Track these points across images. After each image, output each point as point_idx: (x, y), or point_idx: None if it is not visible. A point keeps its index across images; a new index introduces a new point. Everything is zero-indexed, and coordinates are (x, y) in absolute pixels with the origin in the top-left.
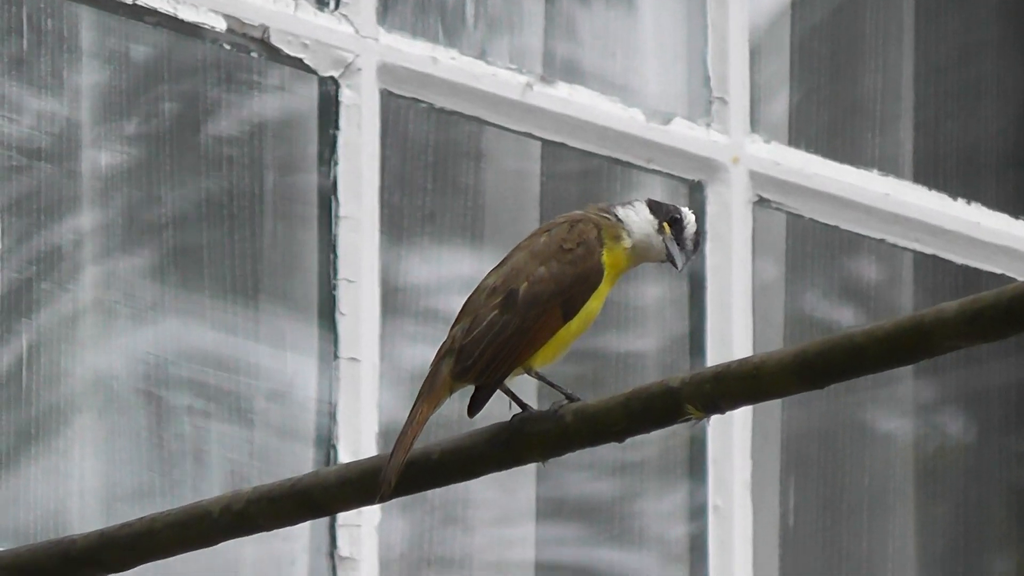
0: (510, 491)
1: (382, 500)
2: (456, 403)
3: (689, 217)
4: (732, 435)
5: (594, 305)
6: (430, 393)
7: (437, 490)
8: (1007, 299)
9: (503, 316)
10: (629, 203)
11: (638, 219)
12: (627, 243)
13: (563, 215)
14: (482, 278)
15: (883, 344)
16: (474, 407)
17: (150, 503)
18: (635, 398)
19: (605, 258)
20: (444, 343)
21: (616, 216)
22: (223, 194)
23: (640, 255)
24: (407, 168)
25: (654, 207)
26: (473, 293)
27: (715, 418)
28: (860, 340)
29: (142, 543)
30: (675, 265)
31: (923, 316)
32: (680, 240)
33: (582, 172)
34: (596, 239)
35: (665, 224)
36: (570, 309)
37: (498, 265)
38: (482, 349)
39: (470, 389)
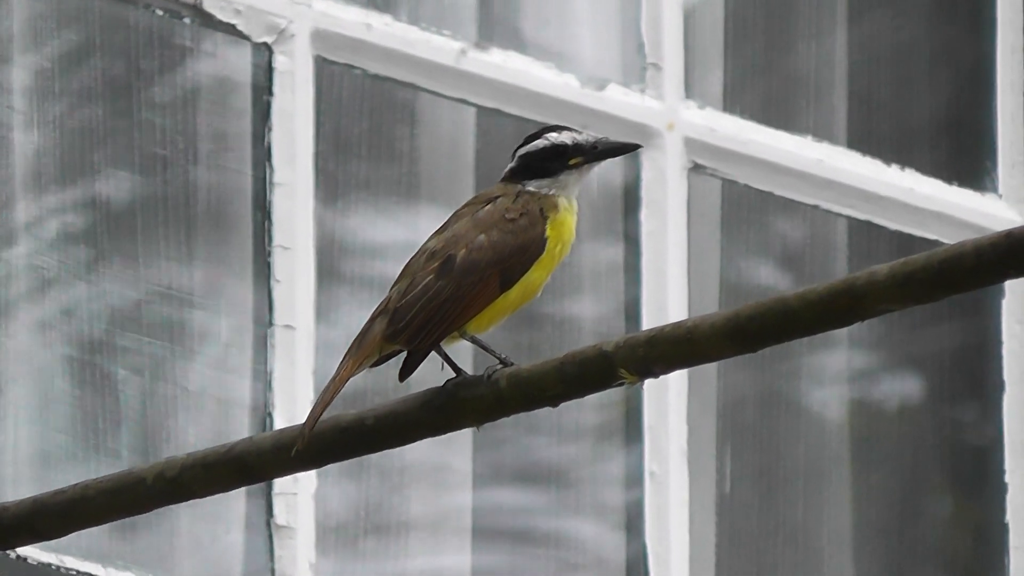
0: (447, 459)
1: (298, 453)
2: (391, 368)
3: (562, 137)
4: (668, 401)
5: (536, 276)
6: (357, 351)
7: (374, 457)
8: (937, 262)
9: (438, 281)
10: (517, 173)
11: (548, 181)
12: (566, 203)
13: (489, 191)
14: (422, 241)
15: (816, 307)
16: (405, 371)
17: (83, 470)
18: (569, 363)
19: (550, 231)
20: (380, 303)
21: (534, 190)
22: (156, 161)
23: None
24: (341, 135)
25: (536, 159)
26: (414, 255)
27: (651, 384)
28: (793, 303)
29: (75, 510)
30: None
31: (855, 279)
32: (587, 153)
33: (516, 138)
34: (539, 211)
35: (571, 162)
36: (508, 279)
37: (440, 228)
38: (415, 313)
39: (401, 354)
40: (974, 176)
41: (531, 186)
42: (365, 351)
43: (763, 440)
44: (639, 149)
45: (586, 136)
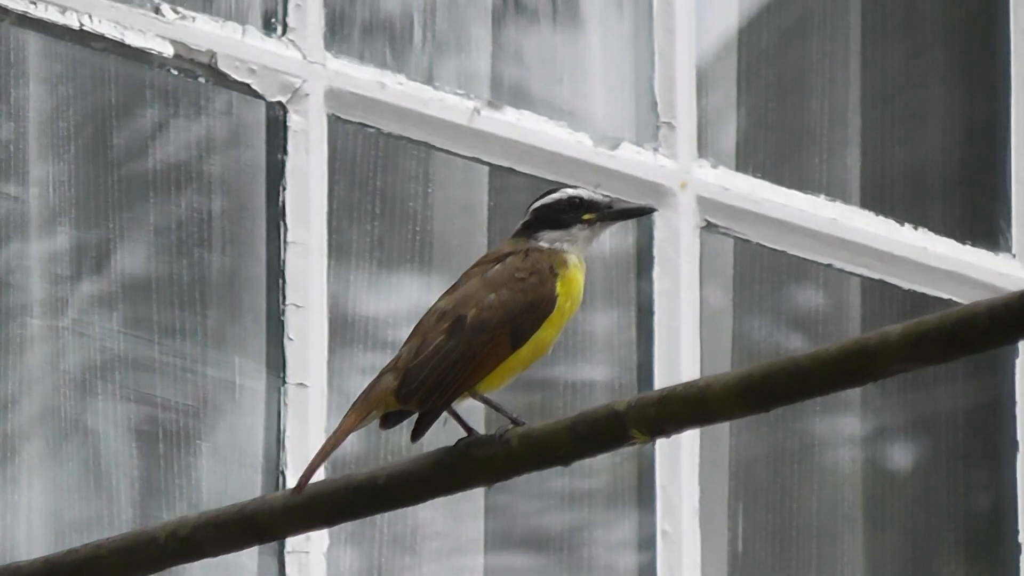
0: (460, 521)
1: (294, 498)
2: (403, 428)
3: (579, 192)
4: (680, 461)
5: (546, 334)
6: (362, 404)
7: (386, 518)
8: (951, 323)
9: (449, 341)
10: (530, 227)
11: (560, 234)
12: (575, 260)
13: (498, 249)
14: (434, 300)
15: (828, 367)
16: (417, 432)
17: (96, 529)
18: (581, 422)
19: (559, 288)
20: (390, 361)
21: (546, 246)
22: (171, 220)
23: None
24: (355, 193)
25: (551, 211)
26: (425, 315)
27: (663, 444)
28: (805, 363)
29: (88, 569)
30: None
31: (868, 339)
32: (601, 211)
33: (529, 196)
34: (549, 269)
35: (584, 217)
36: (519, 337)
37: (450, 289)
38: (427, 374)
39: (412, 415)
40: (988, 235)
41: (543, 240)
42: (370, 404)
43: (775, 499)
44: (653, 212)
45: (602, 195)
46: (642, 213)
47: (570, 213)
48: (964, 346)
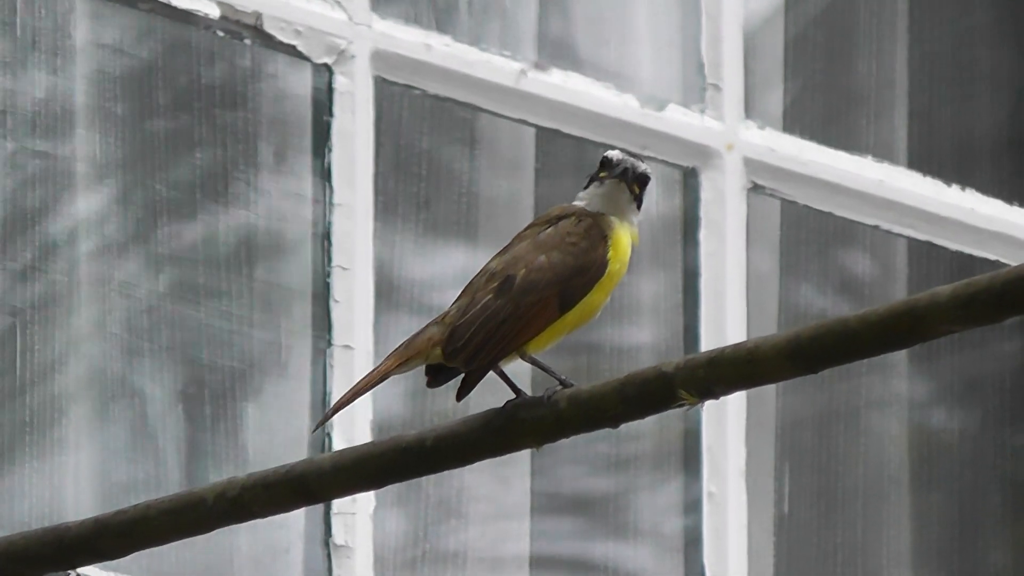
0: (505, 484)
1: (314, 428)
2: (450, 389)
3: (609, 152)
4: (727, 423)
5: (596, 298)
6: (404, 349)
7: (432, 480)
8: (1000, 283)
9: (496, 301)
10: (585, 195)
11: (584, 192)
12: (617, 221)
13: (551, 212)
14: (480, 262)
15: (877, 328)
16: (463, 391)
17: (144, 490)
18: (629, 383)
19: (611, 252)
20: (438, 316)
21: (580, 204)
22: (217, 182)
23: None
24: (401, 155)
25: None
26: (475, 275)
27: (709, 406)
28: (854, 324)
29: (136, 530)
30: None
31: (917, 300)
32: (612, 168)
33: (576, 158)
34: (600, 234)
35: (600, 175)
36: (568, 300)
37: (502, 250)
38: (473, 332)
39: (450, 372)
40: None
41: (576, 199)
42: (411, 351)
43: (822, 461)
44: (648, 181)
45: (628, 159)
46: (637, 179)
47: (597, 171)
48: (1014, 307)
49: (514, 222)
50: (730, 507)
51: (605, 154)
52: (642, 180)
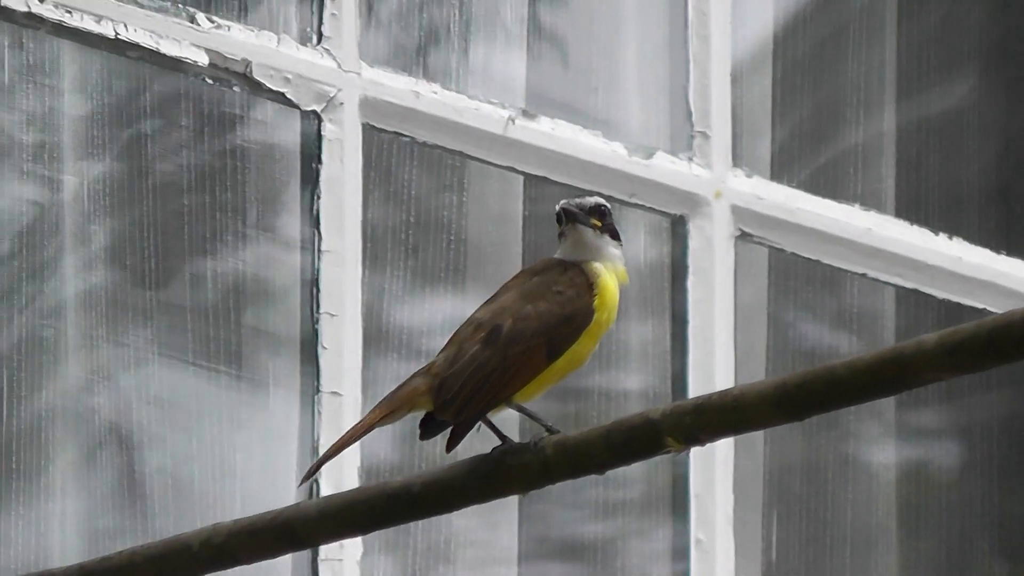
0: (494, 530)
1: (301, 482)
2: (438, 437)
3: (564, 203)
4: (715, 470)
5: (584, 346)
6: (389, 401)
7: (421, 526)
8: (986, 331)
9: (484, 351)
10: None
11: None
12: (601, 268)
13: (540, 262)
14: (469, 309)
15: (864, 375)
16: (452, 443)
17: (131, 538)
18: (615, 430)
19: (598, 300)
20: (425, 365)
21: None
22: (205, 228)
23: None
24: (389, 203)
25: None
26: (462, 325)
27: (697, 453)
28: (841, 372)
29: None
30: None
31: (903, 348)
32: (560, 220)
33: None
34: (586, 283)
35: (592, 221)
36: (555, 349)
37: (489, 300)
38: (462, 384)
39: (438, 422)
40: (1022, 245)
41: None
42: (396, 403)
43: (810, 508)
44: (603, 208)
45: (572, 201)
46: (592, 213)
47: (558, 231)
48: (1000, 355)
49: (503, 269)
50: (718, 554)
51: (559, 207)
52: (596, 211)
